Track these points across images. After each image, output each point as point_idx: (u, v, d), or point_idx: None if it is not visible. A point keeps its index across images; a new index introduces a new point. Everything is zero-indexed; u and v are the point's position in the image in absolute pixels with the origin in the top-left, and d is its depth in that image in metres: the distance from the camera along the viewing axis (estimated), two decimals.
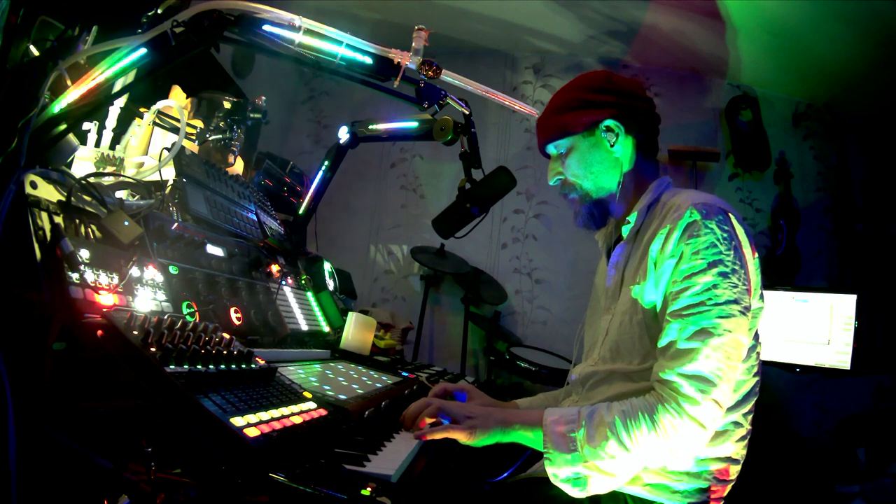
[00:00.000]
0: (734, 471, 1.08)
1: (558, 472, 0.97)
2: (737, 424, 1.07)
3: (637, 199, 1.19)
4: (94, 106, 1.05)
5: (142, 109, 1.54)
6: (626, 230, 1.18)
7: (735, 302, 0.97)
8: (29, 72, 1.02)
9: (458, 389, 1.45)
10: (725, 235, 1.01)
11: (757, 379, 1.10)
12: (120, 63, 1.03)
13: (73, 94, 1.01)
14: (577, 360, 1.33)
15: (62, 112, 0.99)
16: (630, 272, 1.14)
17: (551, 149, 1.25)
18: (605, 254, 1.32)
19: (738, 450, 1.08)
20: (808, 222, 3.35)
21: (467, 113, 1.40)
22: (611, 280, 1.21)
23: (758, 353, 1.11)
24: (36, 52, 1.19)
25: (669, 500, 1.03)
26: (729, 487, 1.08)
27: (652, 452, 0.95)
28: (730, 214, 1.04)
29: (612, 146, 1.18)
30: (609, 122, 1.17)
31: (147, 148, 1.53)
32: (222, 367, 0.79)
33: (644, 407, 0.96)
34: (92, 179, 0.97)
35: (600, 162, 1.19)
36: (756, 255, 1.08)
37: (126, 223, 0.94)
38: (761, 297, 1.09)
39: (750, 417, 1.09)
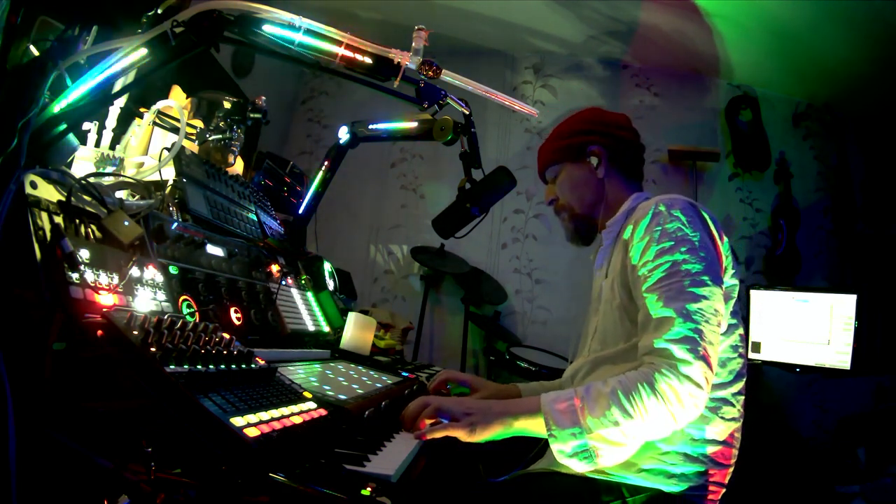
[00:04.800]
0: (731, 454, 1.09)
1: (564, 447, 0.97)
2: (726, 402, 1.09)
3: (616, 211, 1.30)
4: (94, 106, 1.05)
5: (142, 109, 1.54)
6: (605, 235, 1.30)
7: (705, 272, 1.03)
8: (29, 72, 1.02)
9: (460, 380, 1.47)
10: (689, 219, 1.09)
11: (743, 361, 1.14)
12: (120, 63, 1.03)
13: (73, 94, 1.01)
14: (572, 359, 1.38)
15: (62, 112, 0.99)
16: (610, 269, 1.24)
17: (548, 174, 1.40)
18: (595, 265, 1.40)
19: (732, 431, 1.09)
20: (808, 222, 3.35)
21: (467, 113, 1.40)
22: (596, 283, 1.32)
23: (741, 335, 1.15)
24: (36, 52, 1.19)
25: (666, 485, 1.04)
26: (728, 473, 1.08)
27: (655, 418, 0.95)
28: (696, 205, 1.13)
29: (596, 168, 1.31)
30: (594, 148, 1.32)
31: (147, 148, 1.53)
32: (222, 367, 0.79)
33: (640, 376, 0.97)
34: (92, 179, 0.97)
35: (586, 184, 1.33)
36: (725, 238, 1.14)
37: (126, 223, 0.94)
38: (733, 275, 1.15)
39: (741, 400, 1.12)
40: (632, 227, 1.14)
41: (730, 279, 1.13)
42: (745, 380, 1.13)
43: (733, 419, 1.09)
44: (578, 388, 1.01)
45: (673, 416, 0.95)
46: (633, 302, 1.13)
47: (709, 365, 0.96)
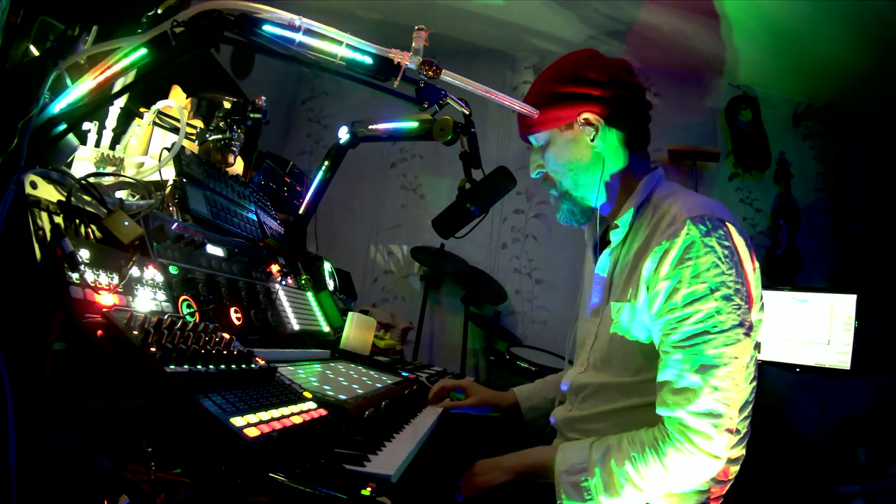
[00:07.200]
0: (732, 471, 1.08)
1: None
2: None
3: (626, 198, 1.12)
4: (94, 106, 1.05)
5: (142, 109, 1.54)
6: (615, 235, 1.12)
7: (740, 325, 0.93)
8: (29, 72, 1.02)
9: (456, 387, 1.47)
10: (726, 252, 0.95)
11: (754, 385, 1.08)
12: (120, 63, 1.03)
13: (73, 94, 1.01)
14: (570, 358, 1.32)
15: (62, 112, 0.99)
16: (619, 281, 1.10)
17: (531, 139, 1.19)
18: (591, 248, 1.27)
19: (737, 451, 1.07)
20: (808, 222, 3.35)
21: (467, 113, 1.40)
22: (599, 283, 1.18)
23: (756, 362, 1.09)
24: (36, 52, 1.19)
25: (667, 501, 1.03)
26: (727, 487, 1.08)
27: (667, 488, 0.97)
28: (729, 225, 0.98)
29: (592, 141, 1.09)
30: (587, 116, 1.08)
31: (147, 148, 1.53)
32: (222, 367, 0.79)
33: (654, 446, 0.95)
34: (92, 179, 0.97)
35: (580, 158, 1.11)
36: (756, 266, 1.04)
37: (126, 223, 0.94)
38: (762, 307, 1.05)
39: (747, 422, 1.08)
40: (657, 255, 0.98)
41: (757, 313, 1.01)
42: (752, 403, 1.08)
43: (739, 442, 1.06)
44: (594, 452, 0.99)
45: (684, 484, 0.97)
46: (648, 340, 1.03)
47: (731, 432, 0.93)
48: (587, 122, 1.09)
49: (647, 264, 1.00)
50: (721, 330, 0.92)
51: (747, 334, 0.94)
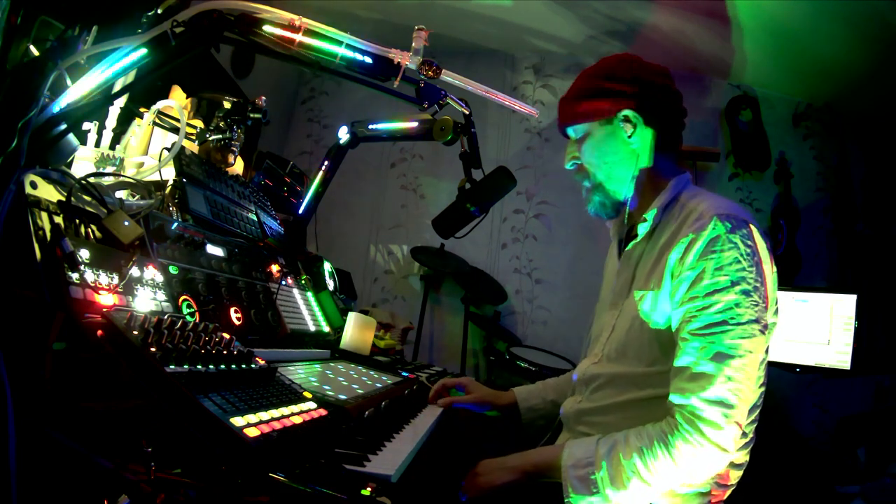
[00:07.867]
0: (735, 475, 1.08)
1: None
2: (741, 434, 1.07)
3: (654, 196, 1.17)
4: (94, 106, 1.05)
5: (142, 109, 1.54)
6: (641, 229, 1.16)
7: (756, 321, 0.96)
8: (29, 72, 1.02)
9: (456, 384, 1.47)
10: (749, 251, 0.98)
11: (762, 389, 1.08)
12: (120, 63, 1.03)
13: (73, 94, 1.01)
14: (585, 353, 1.33)
15: (62, 112, 0.99)
16: (642, 273, 1.13)
17: (569, 131, 1.24)
18: (615, 244, 1.31)
19: (741, 456, 1.07)
20: (808, 222, 3.35)
21: (467, 113, 1.40)
22: (621, 276, 1.21)
23: (766, 363, 1.09)
24: (36, 52, 1.19)
25: (669, 502, 1.04)
26: (729, 491, 1.08)
27: (675, 481, 0.97)
28: (752, 227, 1.02)
29: (629, 137, 1.15)
30: (627, 113, 1.14)
31: (147, 148, 1.54)
32: (222, 367, 0.79)
33: (662, 438, 0.95)
34: (92, 179, 0.97)
35: (615, 152, 1.17)
36: (775, 270, 1.06)
37: (126, 223, 0.94)
38: (776, 311, 1.07)
39: (753, 426, 1.08)
40: (682, 246, 1.02)
41: (772, 317, 1.04)
42: (760, 408, 1.08)
43: (744, 446, 1.07)
44: (601, 447, 1.00)
45: (692, 478, 0.97)
46: (668, 330, 1.05)
47: (740, 426, 0.94)
48: (626, 119, 1.15)
49: (672, 255, 1.04)
50: (738, 322, 0.95)
51: (762, 332, 0.97)
